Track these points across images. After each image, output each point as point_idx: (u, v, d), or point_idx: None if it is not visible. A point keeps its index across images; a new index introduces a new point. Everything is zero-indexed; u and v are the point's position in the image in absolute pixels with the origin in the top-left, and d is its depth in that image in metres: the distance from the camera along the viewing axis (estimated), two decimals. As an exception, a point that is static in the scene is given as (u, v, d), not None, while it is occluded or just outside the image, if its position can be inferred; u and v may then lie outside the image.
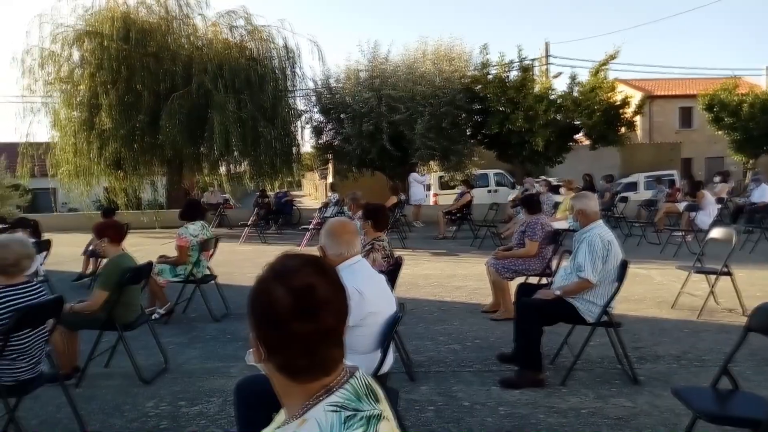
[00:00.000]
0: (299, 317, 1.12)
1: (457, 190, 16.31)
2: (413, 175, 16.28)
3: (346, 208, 6.60)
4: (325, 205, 14.65)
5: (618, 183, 21.10)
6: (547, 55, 23.06)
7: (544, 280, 5.59)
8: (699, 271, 6.16)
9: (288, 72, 17.17)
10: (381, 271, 3.60)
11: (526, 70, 17.39)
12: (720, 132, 24.59)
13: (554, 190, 12.58)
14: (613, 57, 17.48)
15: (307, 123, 18.66)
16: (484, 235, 11.39)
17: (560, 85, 56.24)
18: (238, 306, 6.52)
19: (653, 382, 4.07)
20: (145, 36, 15.34)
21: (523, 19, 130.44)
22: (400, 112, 15.89)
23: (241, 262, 9.82)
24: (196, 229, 6.07)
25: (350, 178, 18.57)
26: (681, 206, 11.76)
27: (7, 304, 3.07)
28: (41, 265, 6.28)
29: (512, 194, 15.57)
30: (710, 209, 10.52)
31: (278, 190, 18.80)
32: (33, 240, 5.67)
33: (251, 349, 1.22)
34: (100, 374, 4.41)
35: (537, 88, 17.16)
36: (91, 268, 8.08)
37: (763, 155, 24.42)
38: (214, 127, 14.68)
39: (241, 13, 16.64)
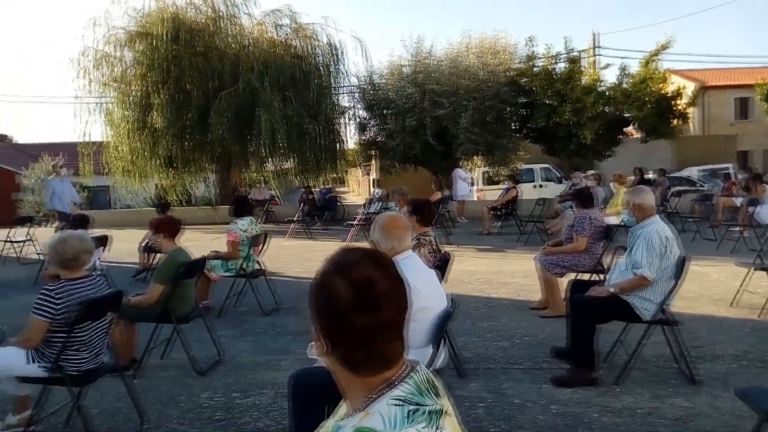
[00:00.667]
0: (360, 310, 1.13)
1: (503, 186, 16.11)
2: (457, 171, 16.16)
3: (393, 204, 6.60)
4: (370, 201, 14.71)
5: (671, 177, 20.41)
6: (596, 46, 22.49)
7: (596, 277, 5.47)
8: (760, 268, 5.90)
9: (332, 69, 17.33)
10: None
11: (573, 61, 17.02)
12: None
13: (599, 183, 12.23)
14: (665, 47, 16.92)
15: (350, 119, 18.80)
16: (530, 231, 11.21)
17: (609, 77, 54.75)
18: (287, 300, 6.63)
19: (712, 382, 3.93)
20: (194, 36, 15.72)
21: (570, 9, 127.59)
22: (444, 107, 15.78)
23: (289, 257, 9.96)
24: (245, 225, 6.20)
25: (393, 173, 18.60)
26: (738, 201, 11.29)
27: (70, 297, 3.20)
28: (99, 259, 6.52)
29: (560, 189, 15.30)
30: (772, 204, 10.05)
31: (323, 187, 18.99)
32: (93, 236, 5.89)
33: (313, 342, 1.24)
34: (156, 366, 4.55)
35: (585, 80, 16.77)
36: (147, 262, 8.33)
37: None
38: (261, 125, 14.93)
39: (286, 11, 16.87)
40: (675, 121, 17.68)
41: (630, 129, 18.48)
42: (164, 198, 17.28)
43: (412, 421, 1.10)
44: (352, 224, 12.25)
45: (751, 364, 4.30)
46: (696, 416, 3.43)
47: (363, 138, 18.92)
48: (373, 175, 24.32)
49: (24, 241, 10.00)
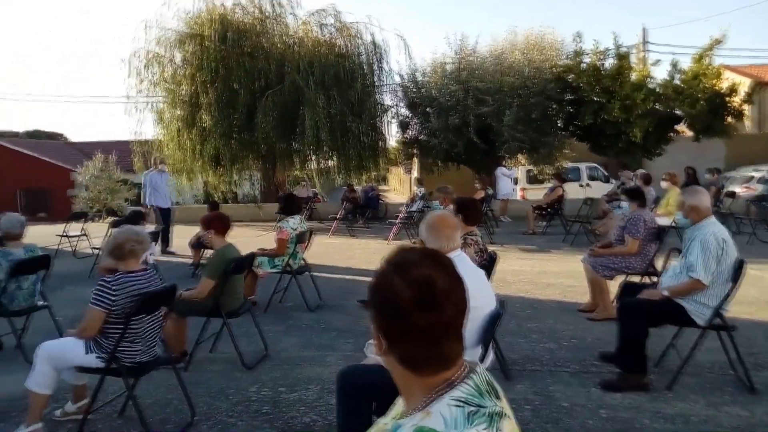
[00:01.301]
0: (420, 309, 1.13)
1: (548, 185, 15.84)
2: (501, 169, 15.97)
3: (437, 202, 6.56)
4: (412, 200, 14.69)
5: (725, 176, 19.66)
6: (645, 42, 21.87)
7: (647, 280, 5.32)
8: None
9: (375, 67, 17.35)
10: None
11: (622, 57, 16.55)
12: None
13: (647, 183, 11.84)
14: (718, 41, 16.27)
15: (393, 117, 18.79)
16: (576, 231, 11.00)
17: (659, 73, 53.17)
18: (331, 297, 6.70)
19: (772, 391, 3.78)
20: (241, 36, 15.99)
21: (619, 5, 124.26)
22: (488, 105, 15.61)
23: (332, 254, 10.05)
24: (295, 223, 6.30)
25: (435, 172, 18.52)
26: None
27: (126, 289, 3.31)
28: (151, 254, 6.73)
29: (607, 188, 14.92)
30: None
31: (366, 185, 19.07)
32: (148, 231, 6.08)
33: (371, 341, 1.25)
34: (205, 359, 4.66)
35: (634, 77, 16.30)
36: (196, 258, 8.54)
37: None
38: (305, 123, 15.09)
39: (330, 11, 16.97)
40: (729, 119, 16.99)
41: (681, 127, 17.86)
42: (210, 195, 17.68)
43: (473, 422, 1.09)
44: (394, 222, 12.26)
45: (813, 373, 4.11)
46: (756, 426, 3.30)
47: (405, 136, 18.90)
48: (415, 174, 24.25)
49: (78, 236, 10.39)
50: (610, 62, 16.71)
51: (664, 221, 7.88)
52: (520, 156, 18.38)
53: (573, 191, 17.66)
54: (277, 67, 15.76)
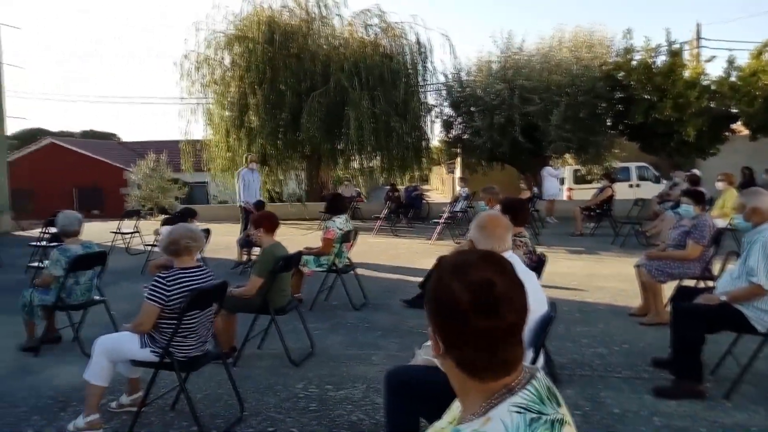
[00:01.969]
0: (478, 313, 1.11)
1: (596, 185, 15.47)
2: (547, 169, 15.70)
3: (483, 203, 6.49)
4: (456, 200, 14.60)
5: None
6: (699, 38, 21.08)
7: (703, 284, 5.12)
8: None
9: (419, 67, 17.36)
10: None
11: (675, 54, 16.01)
12: None
13: (695, 184, 11.36)
14: (780, 36, 15.56)
15: (436, 117, 18.72)
16: (627, 233, 10.70)
17: (714, 70, 51.31)
18: (375, 296, 6.73)
19: (840, 404, 3.59)
20: (288, 38, 16.23)
21: (671, 0, 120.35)
22: (534, 103, 15.37)
23: (376, 253, 10.09)
24: (341, 222, 6.36)
25: (479, 171, 18.36)
26: None
27: (181, 285, 3.40)
28: (200, 252, 6.88)
29: (657, 189, 14.46)
30: None
31: (408, 184, 19.06)
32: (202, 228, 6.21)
33: (427, 342, 1.24)
34: (253, 355, 4.74)
35: (687, 74, 15.75)
36: (245, 257, 8.70)
37: None
38: (350, 124, 15.20)
39: (375, 11, 17.05)
40: (789, 117, 16.21)
41: (737, 125, 17.16)
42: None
43: (534, 429, 1.07)
44: (437, 222, 12.21)
45: None
46: (821, 439, 3.14)
47: (449, 136, 18.80)
48: (458, 173, 24.09)
49: (131, 233, 10.75)
50: (661, 59, 16.20)
51: (719, 223, 7.58)
52: (567, 155, 18.03)
53: (622, 192, 17.18)
54: (323, 68, 15.92)
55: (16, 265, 9.28)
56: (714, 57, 26.98)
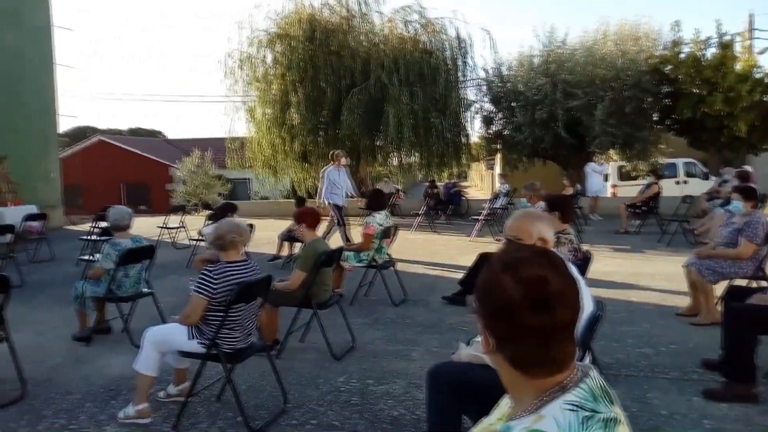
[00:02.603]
0: (532, 309, 1.09)
1: (641, 181, 15.08)
2: (591, 165, 15.35)
3: (525, 200, 6.41)
4: (496, 196, 14.45)
5: None
6: (752, 29, 20.26)
7: (756, 284, 4.94)
8: None
9: (459, 63, 17.20)
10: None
11: (725, 46, 15.43)
12: None
13: (745, 180, 10.91)
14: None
15: (476, 113, 18.55)
16: (674, 231, 10.40)
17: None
18: (414, 292, 6.73)
19: None
20: (328, 35, 16.32)
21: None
22: (578, 98, 15.07)
23: (415, 250, 10.09)
24: (382, 219, 6.39)
25: (520, 168, 18.12)
26: None
27: (227, 278, 3.48)
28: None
29: (706, 186, 13.99)
30: None
31: (447, 181, 18.96)
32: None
33: (477, 337, 1.23)
34: (296, 348, 4.81)
35: (739, 67, 15.16)
36: (286, 251, 8.82)
37: None
38: (389, 120, 15.19)
39: (415, 7, 16.98)
40: None
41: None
42: (297, 191, 18.22)
43: (587, 428, 1.06)
44: (477, 219, 12.11)
45: None
46: None
47: (489, 131, 18.61)
48: (497, 170, 23.83)
49: (177, 228, 11.02)
50: (711, 52, 15.64)
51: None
52: (611, 151, 17.62)
53: (668, 188, 16.68)
54: (363, 65, 15.95)
55: (67, 258, 9.64)
56: (767, 48, 25.95)
